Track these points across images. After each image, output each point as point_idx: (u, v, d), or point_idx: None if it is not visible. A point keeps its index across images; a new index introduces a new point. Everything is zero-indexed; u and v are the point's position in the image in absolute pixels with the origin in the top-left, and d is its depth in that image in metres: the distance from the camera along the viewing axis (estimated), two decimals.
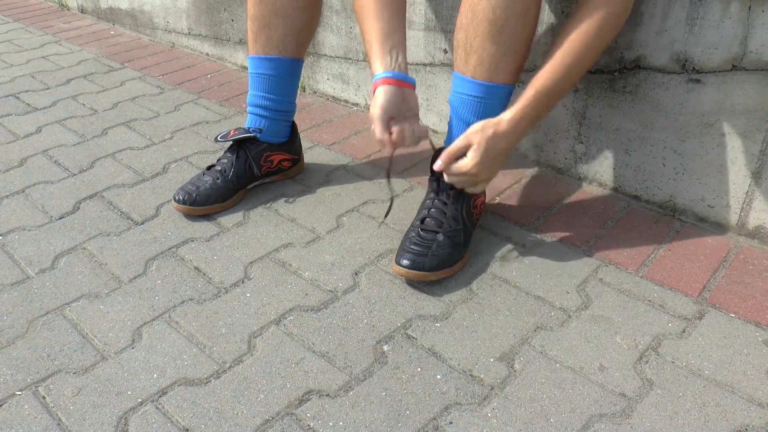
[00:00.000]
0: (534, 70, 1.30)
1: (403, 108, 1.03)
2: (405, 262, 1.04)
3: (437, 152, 1.08)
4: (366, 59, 1.08)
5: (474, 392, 0.86)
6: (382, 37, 1.04)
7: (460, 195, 1.10)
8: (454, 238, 1.08)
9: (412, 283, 1.06)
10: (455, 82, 1.09)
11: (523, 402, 0.85)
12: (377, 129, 1.02)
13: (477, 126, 1.00)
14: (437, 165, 1.04)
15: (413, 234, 1.08)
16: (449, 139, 1.14)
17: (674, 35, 1.10)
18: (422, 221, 1.10)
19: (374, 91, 1.03)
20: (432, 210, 1.10)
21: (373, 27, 1.05)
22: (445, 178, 1.06)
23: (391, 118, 1.02)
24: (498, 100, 1.07)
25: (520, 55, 1.05)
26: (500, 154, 1.01)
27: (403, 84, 1.03)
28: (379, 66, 1.03)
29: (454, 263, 1.07)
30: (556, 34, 1.04)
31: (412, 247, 1.06)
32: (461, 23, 1.04)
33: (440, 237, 1.07)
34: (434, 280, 1.05)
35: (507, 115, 1.00)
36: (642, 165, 1.24)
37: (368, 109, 1.70)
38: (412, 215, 1.20)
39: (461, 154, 1.02)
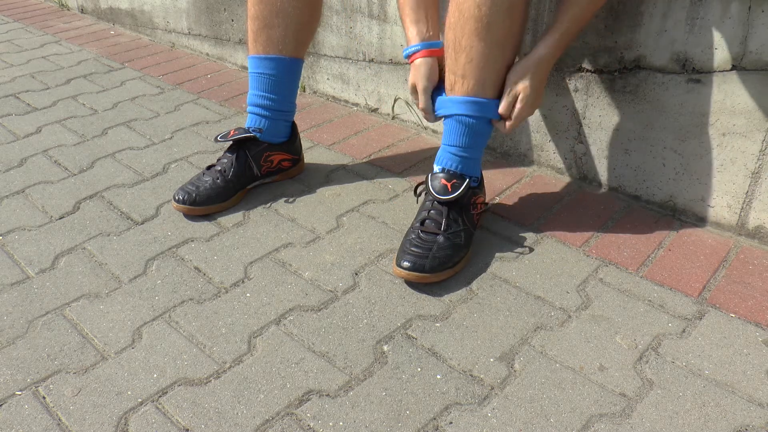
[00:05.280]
0: None
1: (436, 77, 1.15)
2: (405, 263, 1.04)
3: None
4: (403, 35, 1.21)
5: (474, 392, 0.86)
6: (415, 4, 1.15)
7: (461, 197, 1.09)
8: (454, 239, 1.07)
9: (412, 284, 1.06)
10: None
11: (523, 402, 0.85)
12: (423, 101, 1.14)
13: (521, 66, 1.05)
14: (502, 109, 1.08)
15: (413, 236, 1.08)
16: (447, 138, 1.14)
17: (674, 35, 1.10)
18: (422, 223, 1.10)
19: (412, 62, 1.14)
20: (432, 211, 1.10)
21: None
22: (502, 107, 1.07)
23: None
24: (489, 99, 1.07)
25: (510, 52, 1.05)
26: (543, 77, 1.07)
27: (437, 53, 1.14)
28: (415, 35, 1.14)
29: (454, 264, 1.07)
30: None
31: (412, 248, 1.05)
32: (449, 23, 1.04)
33: (440, 238, 1.07)
34: (435, 282, 1.05)
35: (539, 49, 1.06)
36: (642, 165, 1.24)
37: (369, 109, 1.70)
38: (412, 215, 1.20)
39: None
